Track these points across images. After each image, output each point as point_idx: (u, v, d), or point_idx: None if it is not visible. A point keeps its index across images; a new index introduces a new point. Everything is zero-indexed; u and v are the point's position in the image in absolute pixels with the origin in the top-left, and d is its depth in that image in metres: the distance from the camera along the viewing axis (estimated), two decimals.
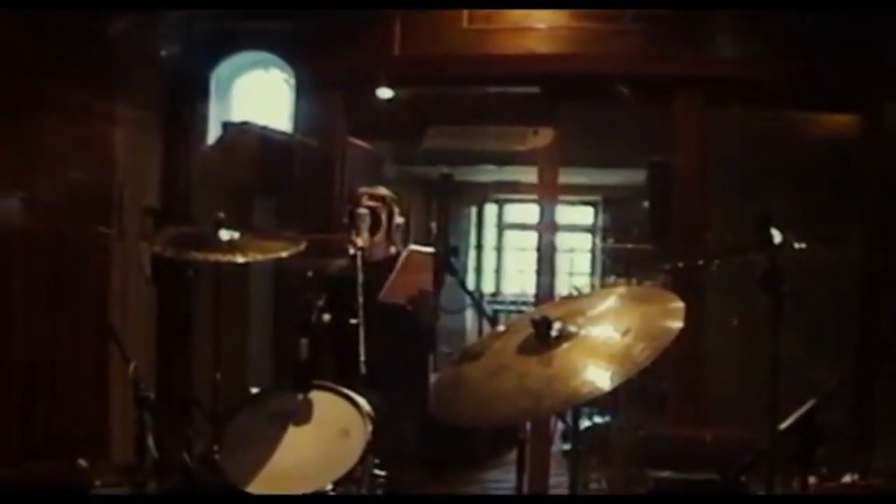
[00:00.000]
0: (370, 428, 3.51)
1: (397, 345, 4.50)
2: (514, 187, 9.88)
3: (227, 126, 6.21)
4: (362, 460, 3.44)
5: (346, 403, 3.63)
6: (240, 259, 3.79)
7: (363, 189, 4.77)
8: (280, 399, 3.68)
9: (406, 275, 4.42)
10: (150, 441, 3.57)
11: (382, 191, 4.75)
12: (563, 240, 8.92)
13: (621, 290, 3.05)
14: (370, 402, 3.63)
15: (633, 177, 7.81)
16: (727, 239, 5.30)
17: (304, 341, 3.74)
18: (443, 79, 6.16)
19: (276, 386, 3.98)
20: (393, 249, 4.78)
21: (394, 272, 4.46)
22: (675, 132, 5.88)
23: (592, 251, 10.92)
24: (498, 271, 11.57)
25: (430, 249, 4.49)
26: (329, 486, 3.37)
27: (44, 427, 4.87)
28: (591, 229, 11.07)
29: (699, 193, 5.88)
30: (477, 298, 4.61)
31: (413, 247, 4.69)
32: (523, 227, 11.24)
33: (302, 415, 3.60)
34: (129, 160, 5.63)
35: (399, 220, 4.77)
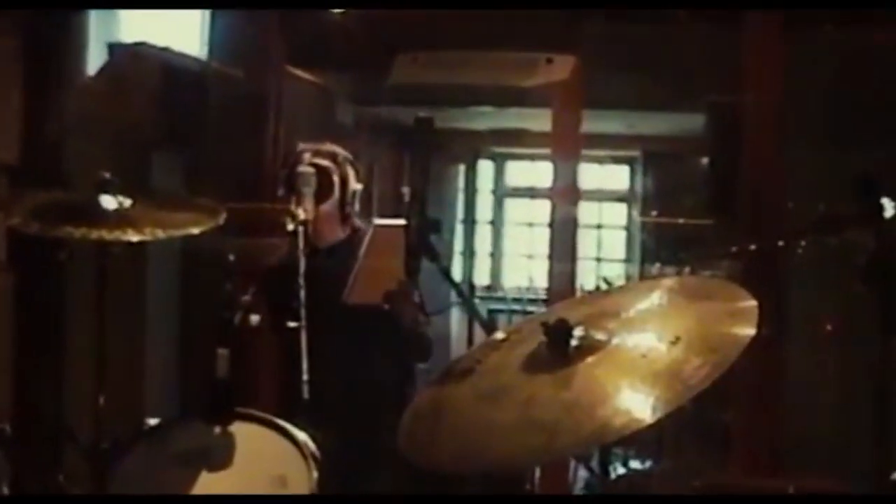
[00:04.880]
0: (315, 474, 3.51)
1: (370, 360, 4.50)
2: (518, 138, 9.91)
3: (113, 49, 6.17)
4: None
5: (282, 440, 3.63)
6: (133, 237, 3.77)
7: (305, 145, 4.75)
8: (188, 433, 3.68)
9: (375, 262, 4.40)
10: (4, 489, 3.56)
11: (332, 148, 4.74)
12: (586, 211, 8.95)
13: (669, 282, 3.06)
14: (315, 438, 3.63)
15: (685, 123, 7.83)
16: (817, 210, 5.31)
17: (223, 352, 3.73)
18: None
19: (184, 415, 3.97)
20: (348, 229, 4.76)
21: (358, 261, 4.44)
22: (744, 63, 5.89)
23: (628, 227, 10.98)
24: (495, 255, 11.61)
25: (402, 222, 4.46)
26: None
27: None
28: (626, 197, 11.12)
29: (777, 147, 5.89)
30: (466, 293, 4.59)
31: (379, 221, 4.67)
32: (531, 193, 11.27)
33: (220, 455, 3.60)
34: None
35: (356, 186, 4.75)
